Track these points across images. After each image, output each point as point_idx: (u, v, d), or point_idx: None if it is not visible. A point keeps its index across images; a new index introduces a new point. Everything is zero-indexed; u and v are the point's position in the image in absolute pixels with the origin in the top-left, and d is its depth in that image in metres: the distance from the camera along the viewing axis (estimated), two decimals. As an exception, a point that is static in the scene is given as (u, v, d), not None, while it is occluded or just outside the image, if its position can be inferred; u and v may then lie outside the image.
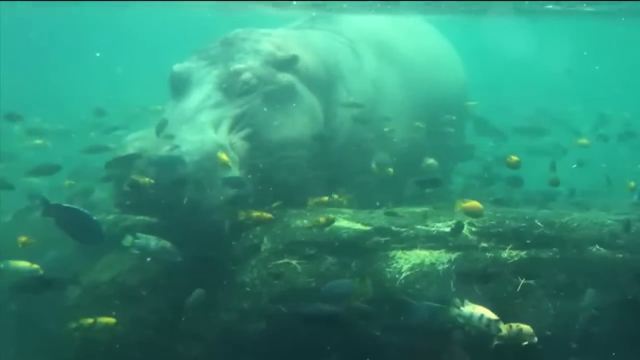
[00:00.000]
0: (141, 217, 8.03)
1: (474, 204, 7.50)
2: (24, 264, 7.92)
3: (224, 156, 7.57)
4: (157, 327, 7.47)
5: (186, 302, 7.24)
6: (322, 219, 7.60)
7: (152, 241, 7.23)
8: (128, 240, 7.23)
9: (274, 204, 7.95)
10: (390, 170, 9.39)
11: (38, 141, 13.04)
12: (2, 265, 7.90)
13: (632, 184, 10.29)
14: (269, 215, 7.70)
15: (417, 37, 12.01)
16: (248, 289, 7.24)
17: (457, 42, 13.19)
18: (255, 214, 7.66)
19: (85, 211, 6.51)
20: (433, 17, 13.75)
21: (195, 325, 7.40)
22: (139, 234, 7.27)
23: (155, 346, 7.42)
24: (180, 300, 7.29)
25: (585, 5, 13.78)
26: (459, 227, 7.47)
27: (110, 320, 7.12)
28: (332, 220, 7.59)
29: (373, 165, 9.43)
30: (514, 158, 8.71)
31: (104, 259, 8.09)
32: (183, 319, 7.42)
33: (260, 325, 7.10)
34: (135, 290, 7.67)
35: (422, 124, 10.28)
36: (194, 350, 7.35)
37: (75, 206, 6.56)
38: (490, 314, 6.20)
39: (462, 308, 6.26)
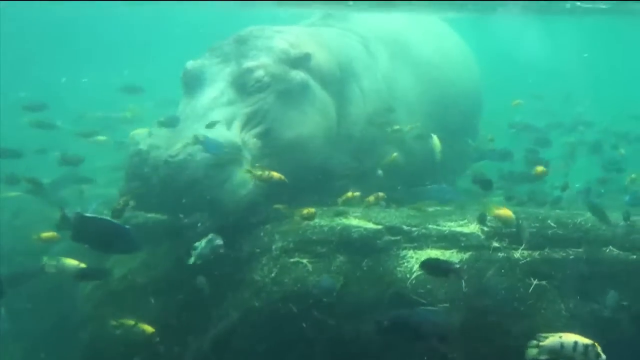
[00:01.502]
0: (152, 215, 8.05)
1: (505, 211, 7.42)
2: (72, 261, 7.99)
3: (275, 174, 7.62)
4: (167, 323, 7.46)
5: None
6: (371, 198, 7.79)
7: (203, 242, 7.10)
8: (193, 258, 7.06)
9: (277, 206, 7.95)
10: (395, 154, 9.35)
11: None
12: (54, 262, 7.95)
13: (633, 175, 10.28)
14: (312, 210, 7.69)
15: (432, 35, 11.95)
16: (258, 287, 7.24)
17: (474, 42, 13.13)
18: (305, 210, 7.64)
19: (113, 220, 6.41)
20: (447, 15, 13.70)
21: (204, 323, 7.41)
22: (195, 244, 7.12)
23: (165, 342, 7.44)
24: (190, 297, 7.30)
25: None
26: (482, 217, 7.50)
27: (149, 328, 7.15)
28: (383, 197, 7.72)
29: (385, 162, 9.40)
30: (540, 169, 8.66)
31: (115, 255, 8.11)
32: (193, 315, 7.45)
33: (271, 324, 7.10)
34: (145, 286, 7.69)
35: (418, 127, 10.12)
36: (203, 348, 7.35)
37: (100, 216, 6.47)
38: (583, 339, 5.74)
39: (543, 342, 5.80)
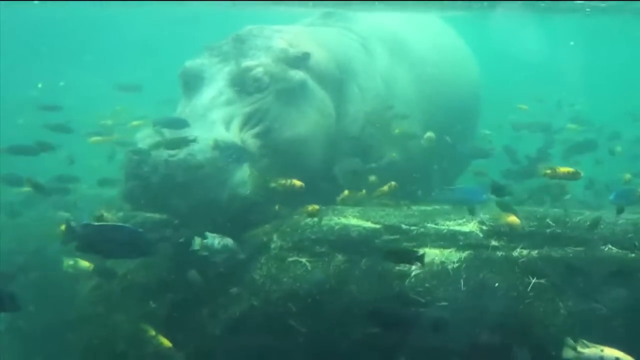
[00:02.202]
0: (151, 214, 8.05)
1: (513, 219, 7.42)
2: (85, 263, 8.01)
3: (297, 182, 7.72)
4: (165, 323, 7.47)
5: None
6: (385, 188, 8.07)
7: (216, 240, 7.08)
8: (197, 243, 7.03)
9: (277, 205, 7.96)
10: (394, 155, 9.38)
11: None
12: (72, 262, 7.97)
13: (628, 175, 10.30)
14: (317, 207, 7.72)
15: (430, 34, 11.96)
16: (257, 286, 7.25)
17: (472, 40, 13.15)
18: (310, 207, 7.67)
19: (125, 225, 6.36)
20: (446, 14, 13.71)
21: (202, 322, 7.42)
22: (207, 234, 7.09)
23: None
24: (188, 297, 7.30)
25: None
26: (472, 211, 7.58)
27: (167, 343, 7.16)
28: (396, 187, 7.98)
29: (383, 162, 9.43)
30: (571, 170, 8.68)
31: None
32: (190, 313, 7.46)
33: (269, 323, 7.11)
34: (144, 286, 7.69)
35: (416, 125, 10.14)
36: (201, 347, 7.36)
37: (109, 223, 6.42)
38: (627, 357, 5.51)
39: (583, 349, 5.65)
